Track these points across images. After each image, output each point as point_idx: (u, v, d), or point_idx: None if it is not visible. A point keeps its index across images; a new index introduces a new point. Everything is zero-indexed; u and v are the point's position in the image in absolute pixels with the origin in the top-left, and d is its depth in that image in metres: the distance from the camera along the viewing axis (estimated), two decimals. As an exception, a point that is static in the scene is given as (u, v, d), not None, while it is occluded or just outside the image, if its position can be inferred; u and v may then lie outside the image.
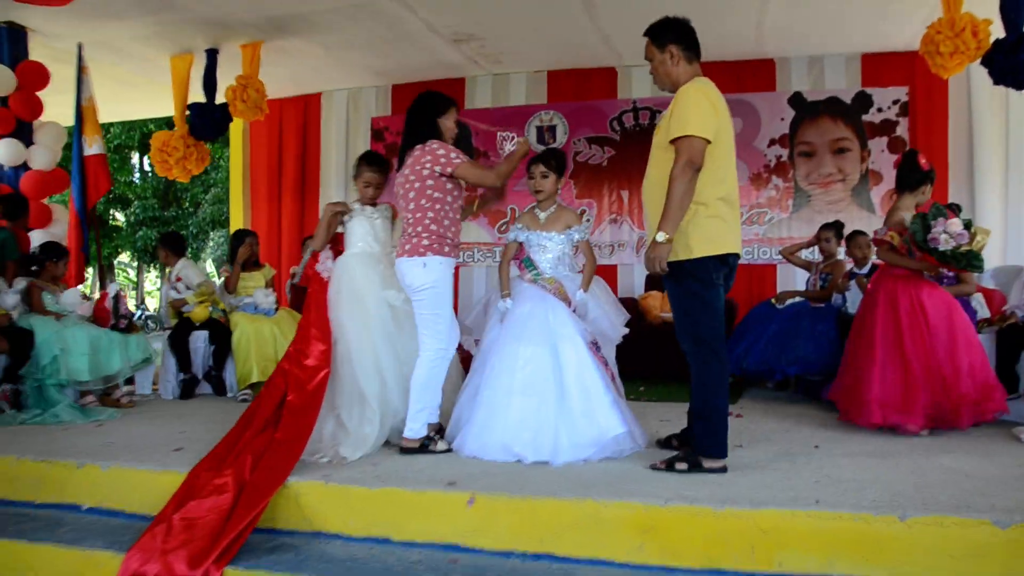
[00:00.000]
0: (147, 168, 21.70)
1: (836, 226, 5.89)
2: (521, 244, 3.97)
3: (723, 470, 3.30)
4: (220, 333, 5.79)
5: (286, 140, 8.95)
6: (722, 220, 3.32)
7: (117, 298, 5.53)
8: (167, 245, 6.38)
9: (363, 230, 4.30)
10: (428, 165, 3.75)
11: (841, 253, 5.88)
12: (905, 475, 3.20)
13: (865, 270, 5.50)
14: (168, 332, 5.97)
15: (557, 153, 3.99)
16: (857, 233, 5.68)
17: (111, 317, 5.47)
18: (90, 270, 6.07)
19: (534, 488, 3.01)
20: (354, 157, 8.67)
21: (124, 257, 24.38)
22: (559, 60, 7.70)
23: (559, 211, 3.97)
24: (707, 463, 3.30)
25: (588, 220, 7.81)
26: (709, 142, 3.22)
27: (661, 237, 3.17)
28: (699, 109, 3.23)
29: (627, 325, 4.06)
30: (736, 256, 3.42)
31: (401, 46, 7.18)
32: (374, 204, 4.38)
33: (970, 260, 4.08)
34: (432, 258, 3.73)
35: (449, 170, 3.75)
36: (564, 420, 3.47)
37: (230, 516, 3.00)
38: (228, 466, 3.30)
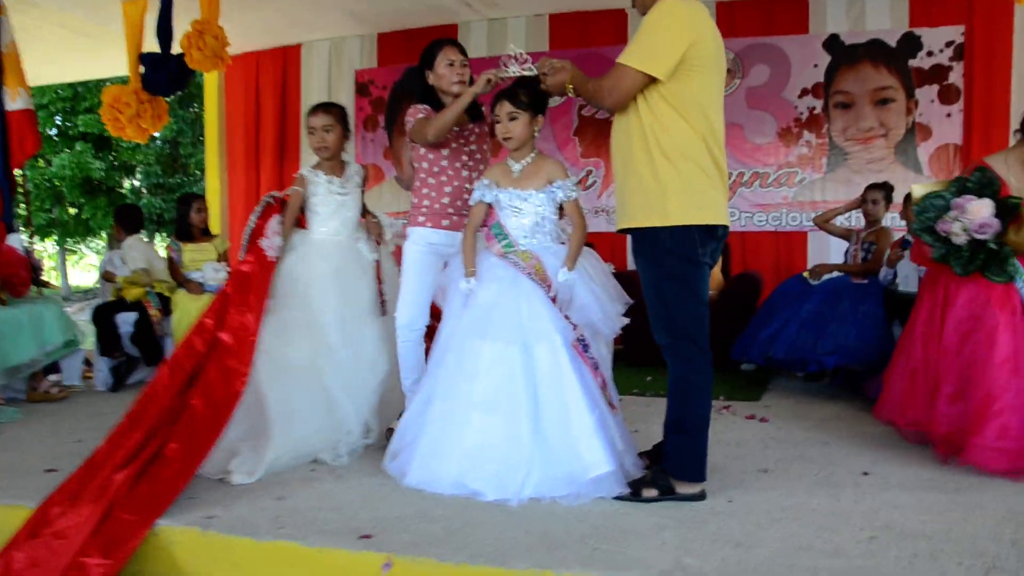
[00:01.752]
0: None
1: (886, 187, 4.99)
2: (490, 206, 3.03)
3: (700, 496, 2.64)
4: (145, 320, 5.04)
5: (263, 97, 8.16)
6: (707, 178, 2.59)
7: (28, 255, 4.78)
8: (118, 219, 5.66)
9: (327, 210, 3.54)
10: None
11: (887, 220, 5.01)
12: (993, 525, 2.37)
13: (923, 238, 4.62)
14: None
15: (530, 84, 2.91)
16: (915, 191, 4.78)
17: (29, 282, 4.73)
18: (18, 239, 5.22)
19: (477, 550, 2.21)
20: (337, 114, 8.01)
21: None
22: (561, 1, 6.81)
23: (538, 162, 3.01)
24: (681, 488, 2.63)
25: (595, 182, 6.97)
26: (654, 80, 2.53)
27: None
28: (655, 35, 2.54)
29: (628, 312, 3.11)
30: (726, 229, 2.69)
31: (381, -16, 6.33)
32: (339, 171, 3.62)
33: (996, 262, 3.03)
34: (409, 230, 3.39)
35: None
36: (539, 448, 2.66)
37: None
38: (87, 499, 2.53)
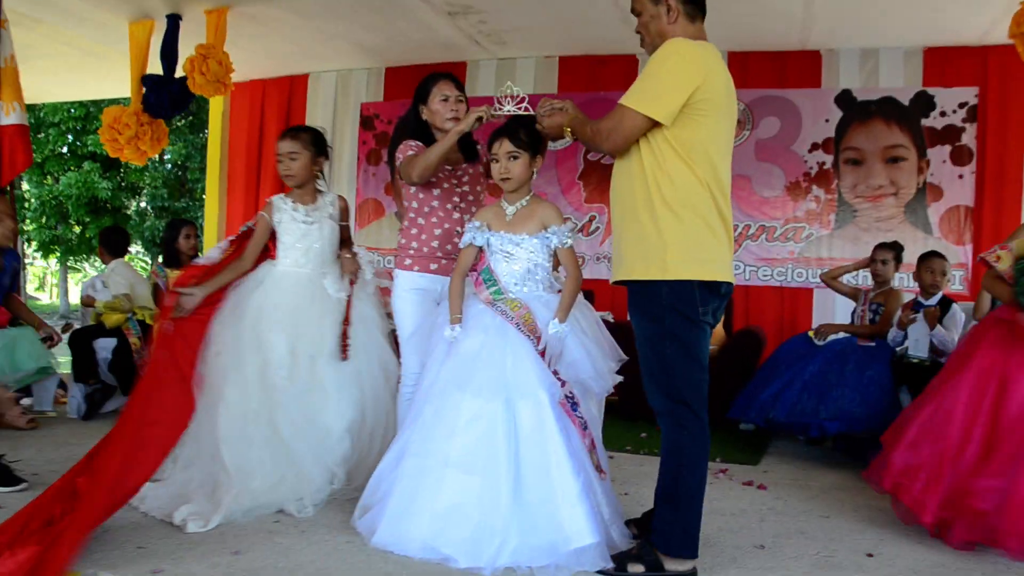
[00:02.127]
0: (159, 155, 21.00)
1: (896, 247, 4.84)
2: (481, 249, 2.87)
3: (691, 575, 2.43)
4: (124, 348, 4.86)
5: (268, 125, 8.07)
6: (711, 231, 2.43)
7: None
8: (104, 241, 5.53)
9: (289, 239, 3.37)
10: None
11: (896, 280, 4.85)
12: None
13: (933, 301, 4.45)
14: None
15: (529, 122, 2.75)
16: (933, 255, 4.62)
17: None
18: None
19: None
20: (339, 145, 7.91)
21: (136, 248, 23.78)
22: (572, 44, 6.74)
23: (533, 205, 2.83)
24: (670, 565, 2.43)
25: (598, 228, 6.83)
26: (657, 124, 2.39)
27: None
28: (659, 75, 2.40)
29: (624, 365, 2.88)
30: (730, 286, 2.52)
31: (391, 18, 6.26)
32: (309, 199, 3.44)
33: None
34: (396, 272, 3.25)
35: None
36: (518, 513, 2.46)
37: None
38: (22, 541, 2.33)
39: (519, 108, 2.74)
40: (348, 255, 3.47)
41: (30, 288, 31.41)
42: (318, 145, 3.46)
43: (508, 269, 2.77)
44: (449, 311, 2.77)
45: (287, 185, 3.46)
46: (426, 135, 3.21)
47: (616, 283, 2.59)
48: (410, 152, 3.11)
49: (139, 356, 4.92)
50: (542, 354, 2.63)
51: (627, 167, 2.53)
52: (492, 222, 2.84)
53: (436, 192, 3.17)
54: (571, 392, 2.62)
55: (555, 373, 2.63)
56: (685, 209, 2.41)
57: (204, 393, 2.96)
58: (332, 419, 3.15)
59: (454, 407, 2.56)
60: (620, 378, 2.75)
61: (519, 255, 2.77)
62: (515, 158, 2.76)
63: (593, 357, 2.69)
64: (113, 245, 5.40)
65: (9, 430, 4.40)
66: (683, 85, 2.38)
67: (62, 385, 5.20)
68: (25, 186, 19.71)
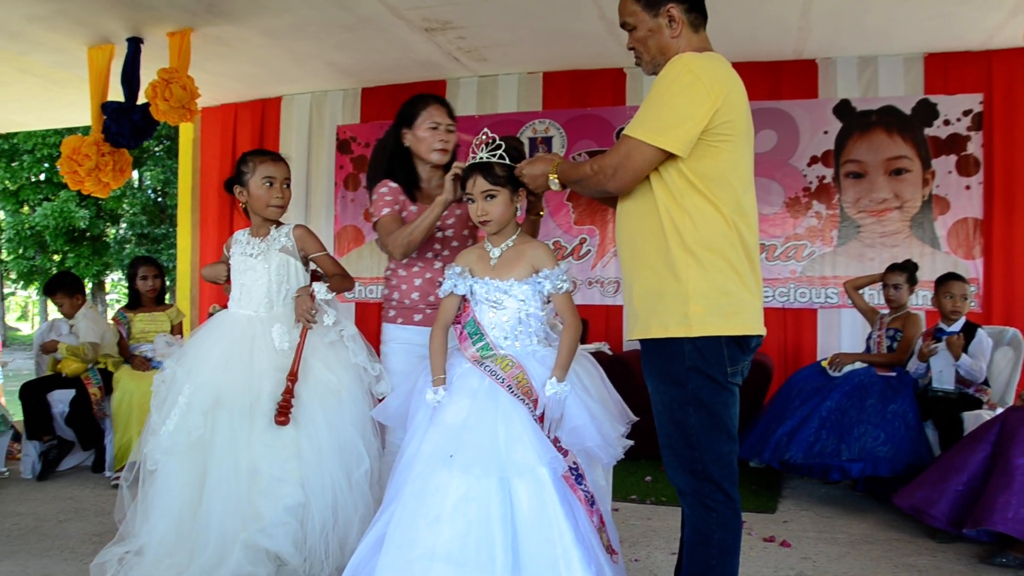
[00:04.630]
0: (139, 182, 20.61)
1: (908, 268, 4.53)
2: (464, 299, 2.51)
3: None
4: (83, 400, 4.48)
5: (240, 150, 7.54)
6: (738, 277, 2.07)
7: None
8: (58, 290, 4.91)
9: (235, 274, 3.00)
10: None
11: (911, 302, 4.54)
12: None
13: (956, 328, 4.12)
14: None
15: (508, 152, 2.40)
16: (951, 278, 4.29)
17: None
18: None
19: None
20: (315, 170, 7.56)
21: (117, 275, 23.29)
22: (556, 59, 6.43)
23: (520, 246, 2.45)
24: None
25: (589, 251, 6.50)
26: (672, 157, 2.04)
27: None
28: (671, 100, 2.04)
29: (629, 399, 2.48)
30: (759, 339, 2.17)
31: (364, 36, 5.94)
32: (265, 231, 3.03)
33: None
34: (383, 326, 2.96)
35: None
36: None
37: None
38: None
39: (492, 156, 2.39)
40: (299, 293, 2.90)
41: (11, 318, 30.81)
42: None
43: (496, 320, 2.39)
44: (431, 371, 2.41)
45: (270, 216, 3.00)
46: (406, 164, 2.86)
47: (631, 341, 2.24)
48: (384, 211, 2.77)
49: (99, 408, 4.53)
50: (540, 420, 2.25)
51: (636, 208, 2.17)
52: (475, 267, 2.47)
53: None
54: (575, 463, 2.26)
55: (555, 442, 2.25)
56: (708, 252, 2.05)
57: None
58: (261, 501, 2.68)
59: (439, 488, 2.17)
60: (630, 443, 2.37)
61: (508, 304, 2.38)
62: (492, 196, 2.39)
63: (599, 421, 2.29)
64: (70, 287, 4.93)
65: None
66: (700, 109, 2.03)
67: (17, 437, 4.79)
68: (1, 215, 19.30)
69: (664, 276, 2.08)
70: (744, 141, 2.15)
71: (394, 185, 2.83)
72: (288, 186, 3.01)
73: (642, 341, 2.17)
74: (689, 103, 2.03)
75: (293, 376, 2.74)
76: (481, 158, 2.40)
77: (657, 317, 2.10)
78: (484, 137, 2.42)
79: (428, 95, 2.96)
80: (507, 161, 2.38)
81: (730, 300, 2.06)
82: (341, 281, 2.99)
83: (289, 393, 2.72)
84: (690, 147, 2.04)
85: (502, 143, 2.40)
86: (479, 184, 2.39)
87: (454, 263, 2.51)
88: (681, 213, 2.07)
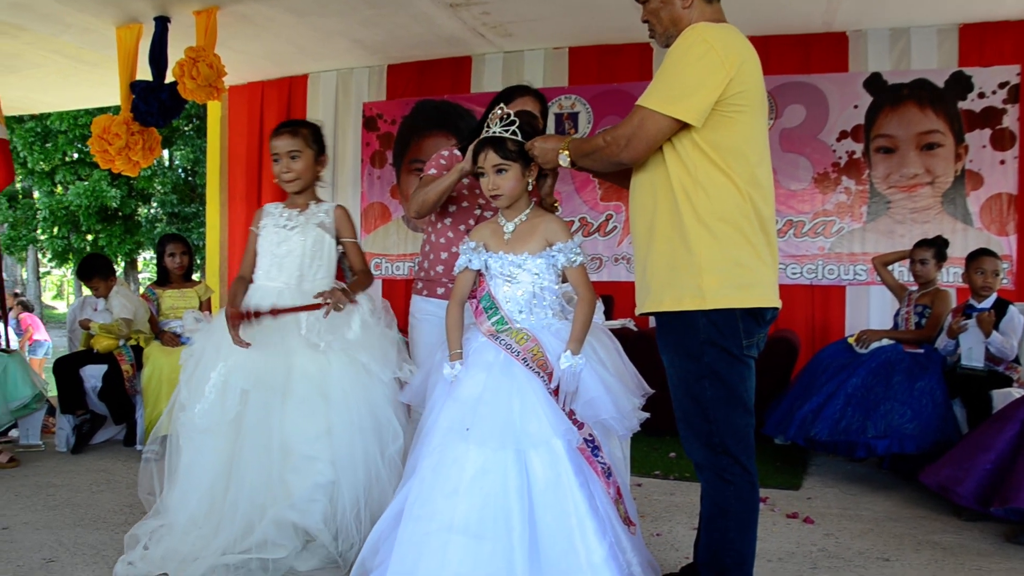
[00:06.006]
0: (169, 161, 20.84)
1: (937, 243, 4.46)
2: (479, 274, 2.51)
3: None
4: (115, 375, 4.56)
5: (267, 128, 7.72)
6: (752, 248, 2.05)
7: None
8: (92, 273, 4.93)
9: (264, 246, 2.98)
10: None
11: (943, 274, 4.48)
12: None
13: (987, 304, 4.05)
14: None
15: (520, 127, 2.39)
16: (983, 253, 4.21)
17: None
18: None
19: None
20: (342, 148, 7.59)
21: (148, 253, 23.60)
22: (582, 34, 6.37)
23: (534, 219, 2.45)
24: None
25: (615, 228, 6.47)
26: (685, 127, 2.02)
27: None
28: (685, 69, 2.02)
29: (649, 375, 2.49)
30: (775, 312, 2.15)
31: (390, 12, 5.93)
32: (303, 205, 3.00)
33: None
34: (412, 299, 3.01)
35: None
36: None
37: None
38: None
39: (505, 131, 2.39)
40: (336, 288, 2.82)
41: (47, 297, 31.40)
42: (319, 143, 3.03)
43: (510, 294, 2.40)
44: (448, 346, 2.42)
45: (287, 190, 3.00)
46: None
47: (643, 315, 2.24)
48: (431, 170, 2.81)
49: (131, 383, 4.62)
50: (555, 393, 2.26)
51: (649, 179, 2.17)
52: (489, 241, 2.47)
53: (452, 209, 2.85)
54: (591, 435, 2.26)
55: (571, 414, 2.26)
56: (721, 224, 2.05)
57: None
58: (292, 477, 2.71)
59: (456, 461, 2.19)
60: (646, 415, 2.38)
61: (522, 278, 2.39)
62: (503, 171, 2.39)
63: (614, 394, 2.30)
64: (103, 270, 4.99)
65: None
66: (714, 79, 2.01)
67: (52, 411, 4.90)
68: (36, 195, 19.64)
69: (677, 248, 2.08)
70: (759, 112, 2.14)
71: (457, 152, 2.86)
72: (295, 158, 2.93)
73: (656, 315, 2.17)
74: (703, 72, 2.01)
75: (274, 311, 2.75)
76: (494, 132, 2.40)
77: (670, 290, 2.10)
78: (499, 112, 2.42)
79: (520, 87, 2.90)
80: (519, 137, 2.38)
81: (744, 272, 2.06)
82: (363, 278, 2.97)
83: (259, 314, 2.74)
84: (704, 116, 2.03)
85: (516, 119, 2.40)
86: (490, 158, 2.40)
87: (468, 238, 2.52)
88: (694, 185, 2.06)
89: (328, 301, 2.72)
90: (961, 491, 3.28)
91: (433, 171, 2.82)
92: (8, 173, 5.20)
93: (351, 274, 3.06)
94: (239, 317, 2.71)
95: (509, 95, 2.86)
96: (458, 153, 2.87)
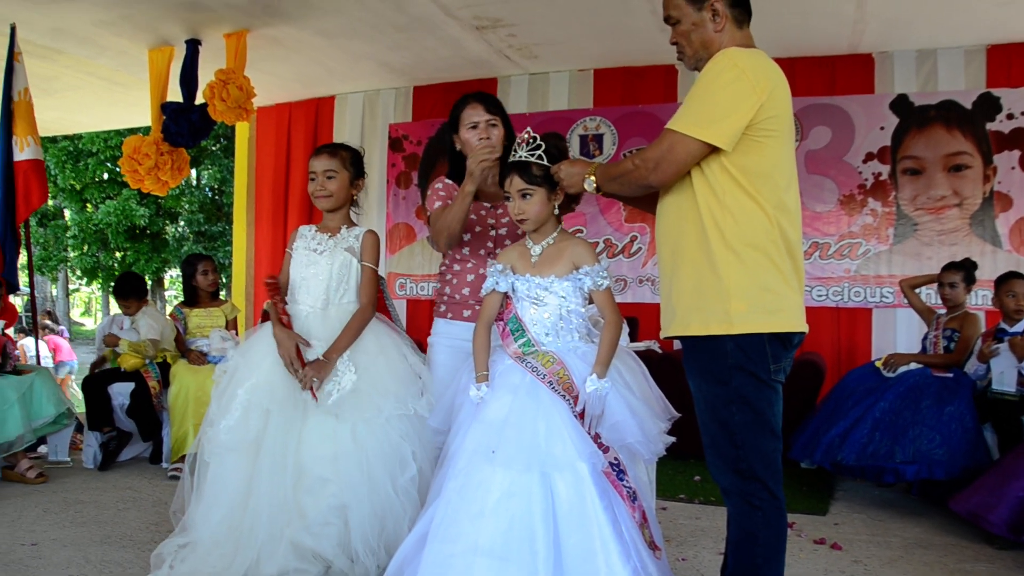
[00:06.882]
0: (196, 181, 21.11)
1: (965, 266, 4.41)
2: (506, 296, 2.53)
3: None
4: (142, 392, 4.61)
5: (295, 149, 7.86)
6: (779, 273, 2.05)
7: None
8: (127, 292, 5.01)
9: (295, 271, 3.01)
10: None
11: (969, 302, 4.42)
12: None
13: (1019, 328, 4.00)
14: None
15: (547, 150, 2.41)
16: (1013, 276, 4.16)
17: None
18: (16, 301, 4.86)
19: None
20: (367, 169, 7.63)
21: (175, 271, 23.87)
22: (607, 56, 6.40)
23: (561, 243, 2.47)
24: None
25: (640, 249, 6.46)
26: (715, 151, 2.03)
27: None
28: (716, 93, 2.03)
29: (674, 396, 2.47)
30: (802, 336, 2.14)
31: (416, 36, 6.00)
32: (335, 228, 3.03)
33: None
34: (434, 321, 2.96)
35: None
36: None
37: None
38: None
39: (531, 156, 2.40)
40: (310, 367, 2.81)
41: (75, 313, 31.84)
42: (357, 166, 3.05)
43: (537, 317, 2.41)
44: (474, 367, 2.43)
45: (319, 208, 3.04)
46: (461, 167, 2.88)
47: (668, 338, 2.24)
48: (437, 204, 2.81)
49: (158, 400, 4.67)
50: (580, 416, 2.26)
51: (676, 203, 2.17)
52: (516, 264, 2.49)
53: (467, 237, 2.86)
54: (616, 459, 2.26)
55: (596, 438, 2.26)
56: (749, 249, 2.05)
57: None
58: (306, 499, 2.71)
59: (481, 483, 2.19)
60: (672, 439, 2.37)
61: (549, 301, 2.40)
62: (528, 196, 2.42)
63: (640, 417, 2.30)
64: (137, 291, 5.06)
65: (17, 483, 4.17)
66: (745, 104, 2.02)
67: (79, 428, 4.96)
68: (67, 214, 20.00)
69: (705, 273, 2.08)
70: (788, 137, 2.14)
71: (449, 182, 2.87)
72: (331, 178, 2.95)
73: (683, 339, 2.17)
74: (734, 97, 2.02)
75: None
76: (520, 157, 2.42)
77: (698, 314, 2.10)
78: (526, 136, 2.44)
79: (466, 95, 2.95)
80: (545, 161, 2.40)
81: (772, 297, 2.05)
82: (363, 312, 2.95)
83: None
84: (734, 141, 2.04)
85: (542, 143, 2.42)
86: (515, 183, 2.42)
87: (496, 260, 2.54)
88: (722, 210, 2.07)
89: (303, 388, 2.77)
90: (993, 519, 3.22)
91: (439, 204, 2.82)
92: (43, 192, 5.30)
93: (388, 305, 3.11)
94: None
95: (459, 105, 2.89)
96: (450, 182, 2.88)
